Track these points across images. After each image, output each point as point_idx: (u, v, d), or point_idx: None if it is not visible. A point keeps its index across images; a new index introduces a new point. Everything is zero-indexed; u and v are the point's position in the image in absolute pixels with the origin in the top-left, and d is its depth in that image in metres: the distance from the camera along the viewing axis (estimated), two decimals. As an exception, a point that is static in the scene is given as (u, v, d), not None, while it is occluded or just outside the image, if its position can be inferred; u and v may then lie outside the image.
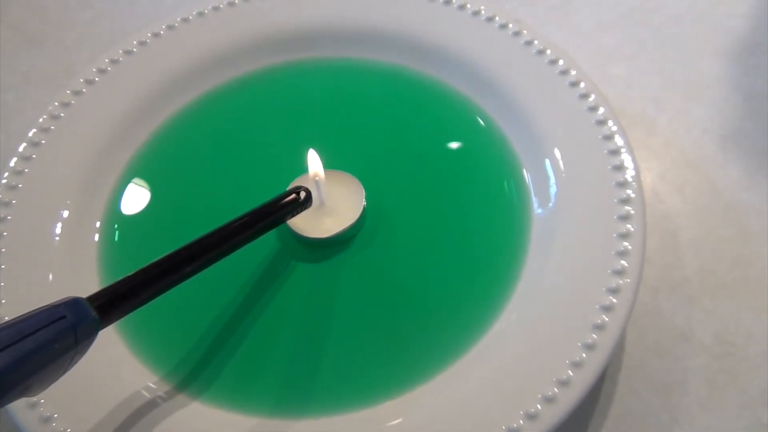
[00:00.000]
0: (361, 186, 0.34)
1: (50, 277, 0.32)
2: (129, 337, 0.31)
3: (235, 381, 0.30)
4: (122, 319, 0.31)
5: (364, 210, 0.34)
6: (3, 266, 0.32)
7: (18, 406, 0.28)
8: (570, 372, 0.27)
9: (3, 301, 0.31)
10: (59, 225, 0.33)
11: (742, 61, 0.40)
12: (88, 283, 0.33)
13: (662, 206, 0.35)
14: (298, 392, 0.30)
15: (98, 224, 0.34)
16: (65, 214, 0.34)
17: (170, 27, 0.40)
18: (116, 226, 0.35)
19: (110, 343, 0.31)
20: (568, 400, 0.27)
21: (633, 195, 0.31)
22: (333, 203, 0.34)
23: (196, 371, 0.31)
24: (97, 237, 0.34)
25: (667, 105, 0.39)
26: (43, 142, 0.36)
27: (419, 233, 0.34)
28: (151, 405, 0.29)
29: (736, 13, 0.42)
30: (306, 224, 0.34)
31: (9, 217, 0.33)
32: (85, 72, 0.38)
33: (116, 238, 0.34)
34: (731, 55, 0.40)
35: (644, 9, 0.44)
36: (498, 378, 0.29)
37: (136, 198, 0.36)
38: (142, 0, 0.47)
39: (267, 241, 0.34)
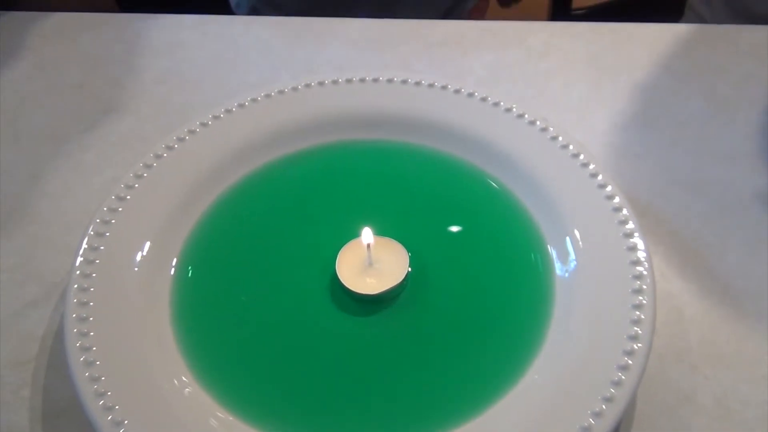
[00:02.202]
0: (406, 252, 0.39)
1: (127, 303, 0.37)
2: (200, 375, 0.36)
3: (291, 416, 0.35)
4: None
5: (408, 273, 0.39)
6: (92, 303, 0.36)
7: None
8: (591, 420, 0.31)
9: (92, 334, 0.35)
10: (138, 256, 0.39)
11: (737, 164, 0.46)
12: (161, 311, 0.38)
13: (668, 285, 0.40)
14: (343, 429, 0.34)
15: (174, 262, 0.40)
16: (146, 247, 0.39)
17: (241, 105, 0.46)
18: (190, 267, 0.40)
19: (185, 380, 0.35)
20: (588, 445, 0.31)
21: (645, 272, 0.36)
22: (381, 265, 0.39)
23: (254, 404, 0.35)
24: (172, 272, 0.39)
25: (672, 198, 0.44)
26: (128, 197, 0.41)
27: (456, 295, 0.38)
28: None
29: (730, 125, 0.49)
30: (357, 282, 0.38)
31: (97, 261, 0.38)
32: (166, 139, 0.44)
33: (189, 275, 0.39)
34: (728, 159, 0.46)
35: (651, 115, 0.50)
36: (526, 426, 0.33)
37: (208, 243, 0.41)
38: (207, 79, 0.53)
39: (322, 295, 0.38)
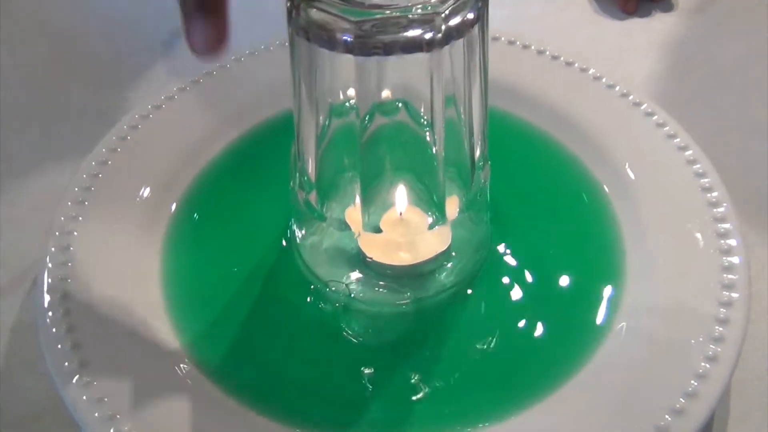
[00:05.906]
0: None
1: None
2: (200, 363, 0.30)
3: (321, 405, 0.29)
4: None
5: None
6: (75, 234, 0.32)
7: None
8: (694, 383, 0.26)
9: (72, 317, 0.29)
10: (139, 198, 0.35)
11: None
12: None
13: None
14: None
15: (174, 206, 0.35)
16: (146, 192, 0.35)
17: (222, 66, 0.40)
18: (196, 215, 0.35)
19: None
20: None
21: (730, 227, 0.31)
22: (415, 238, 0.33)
23: (269, 391, 0.29)
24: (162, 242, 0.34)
25: (731, 144, 0.40)
26: (105, 168, 0.35)
27: (522, 277, 0.33)
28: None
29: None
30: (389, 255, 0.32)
31: (93, 188, 0.34)
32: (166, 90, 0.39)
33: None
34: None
35: (691, 63, 0.45)
36: (610, 402, 0.27)
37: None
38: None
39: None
